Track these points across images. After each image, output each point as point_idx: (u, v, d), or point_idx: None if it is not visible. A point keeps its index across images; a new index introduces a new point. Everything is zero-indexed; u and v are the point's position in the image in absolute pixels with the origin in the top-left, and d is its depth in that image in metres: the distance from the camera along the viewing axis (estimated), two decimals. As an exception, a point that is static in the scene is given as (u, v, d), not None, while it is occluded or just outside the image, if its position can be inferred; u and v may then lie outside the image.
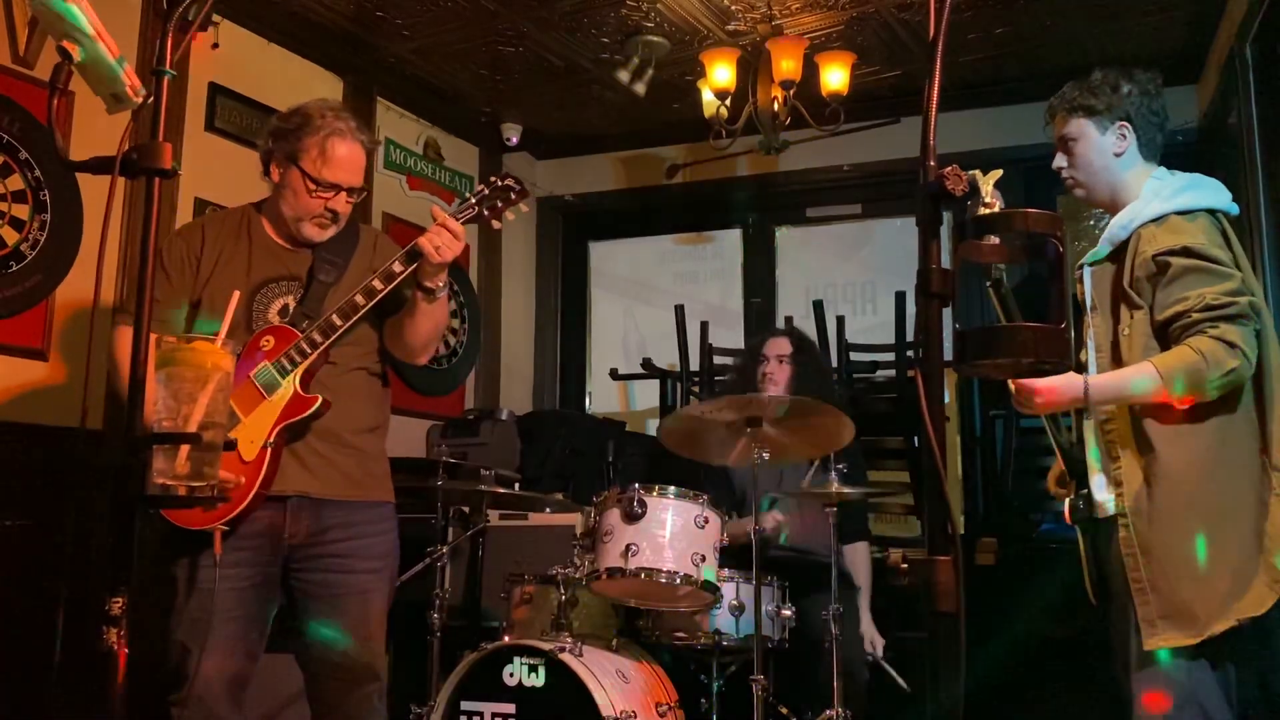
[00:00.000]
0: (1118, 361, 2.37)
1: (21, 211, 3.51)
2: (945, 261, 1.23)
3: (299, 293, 2.56)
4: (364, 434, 2.61)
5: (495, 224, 2.63)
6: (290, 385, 2.45)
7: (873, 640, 3.66)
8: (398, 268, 2.50)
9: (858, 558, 3.77)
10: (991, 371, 1.23)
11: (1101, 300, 2.45)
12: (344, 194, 2.56)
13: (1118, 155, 2.46)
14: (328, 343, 2.47)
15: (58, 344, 3.58)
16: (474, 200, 2.59)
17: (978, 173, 1.36)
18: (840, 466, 3.28)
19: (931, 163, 1.24)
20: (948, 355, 1.26)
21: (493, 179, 2.63)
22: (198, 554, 2.38)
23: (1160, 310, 2.31)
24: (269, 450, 2.40)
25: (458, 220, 2.52)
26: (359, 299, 2.47)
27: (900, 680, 3.55)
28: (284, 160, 2.54)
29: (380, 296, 2.49)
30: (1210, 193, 2.41)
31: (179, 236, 2.61)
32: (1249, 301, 2.26)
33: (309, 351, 2.46)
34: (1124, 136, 2.45)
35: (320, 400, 2.46)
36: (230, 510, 2.34)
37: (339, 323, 2.47)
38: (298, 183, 2.52)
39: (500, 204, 2.59)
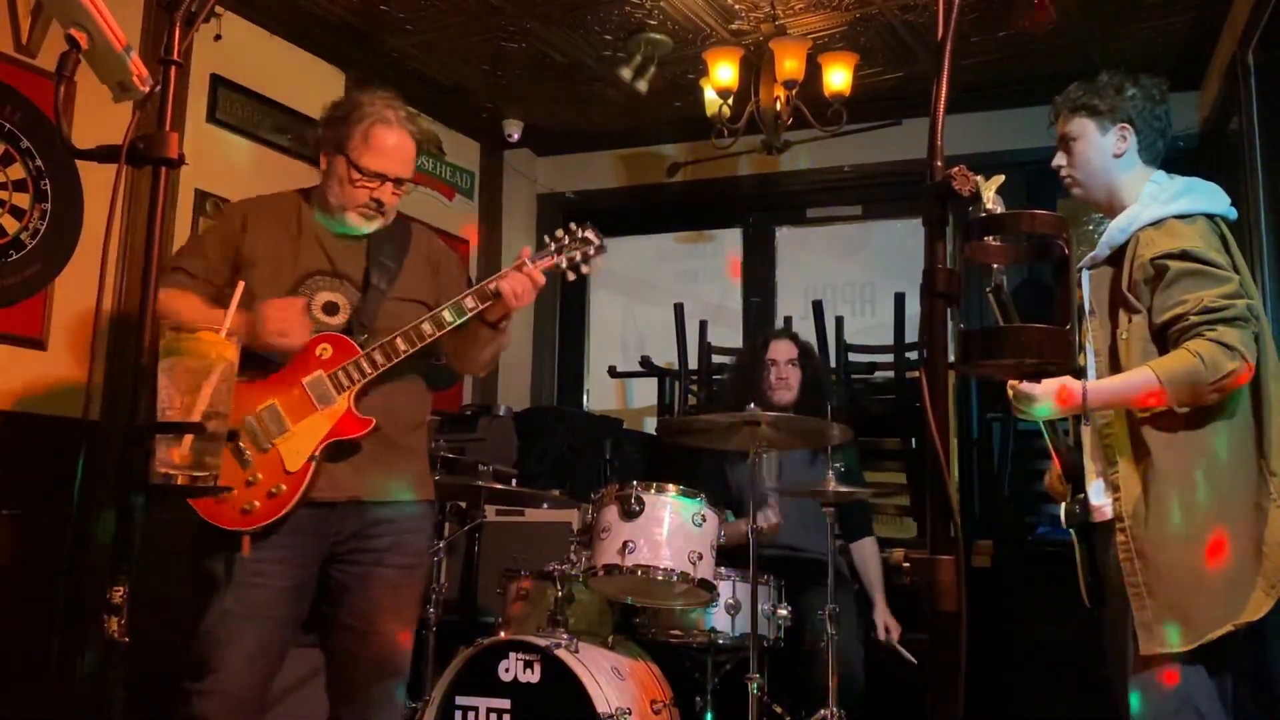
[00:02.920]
0: (1116, 365, 2.37)
1: (22, 200, 3.51)
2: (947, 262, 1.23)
3: (347, 290, 2.54)
4: (412, 433, 2.62)
5: (571, 276, 2.65)
6: (345, 402, 2.43)
7: (887, 625, 3.68)
8: (470, 303, 2.50)
9: (866, 554, 3.78)
10: (995, 372, 1.23)
11: (1100, 304, 2.45)
12: (390, 184, 2.52)
13: (1117, 156, 2.47)
14: (388, 366, 2.45)
15: (57, 333, 3.57)
16: (554, 249, 2.61)
17: (980, 178, 1.37)
18: (838, 465, 3.29)
19: (939, 163, 1.24)
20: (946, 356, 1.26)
21: (573, 226, 2.65)
22: (230, 549, 2.36)
23: (1158, 314, 2.31)
24: (313, 464, 2.39)
25: (537, 268, 2.54)
26: (426, 328, 2.46)
27: (911, 658, 3.55)
28: (331, 148, 2.52)
29: (450, 329, 2.49)
30: (1208, 197, 2.41)
31: (221, 217, 2.60)
32: (1247, 304, 2.27)
33: (369, 371, 2.44)
34: (1124, 138, 2.46)
35: (373, 424, 2.44)
36: (266, 517, 2.35)
37: (403, 348, 2.45)
38: (343, 171, 2.50)
39: (579, 255, 2.62)
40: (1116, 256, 2.43)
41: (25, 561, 3.40)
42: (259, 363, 2.42)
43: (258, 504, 2.35)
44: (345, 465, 2.46)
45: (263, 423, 2.40)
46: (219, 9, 4.13)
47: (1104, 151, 2.47)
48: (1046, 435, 2.53)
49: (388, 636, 2.53)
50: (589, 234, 2.64)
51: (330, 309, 2.50)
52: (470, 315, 2.49)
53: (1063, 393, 2.33)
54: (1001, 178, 1.41)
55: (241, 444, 2.36)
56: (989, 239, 1.27)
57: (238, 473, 2.35)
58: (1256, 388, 2.31)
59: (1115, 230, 2.43)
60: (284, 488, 2.37)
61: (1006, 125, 4.77)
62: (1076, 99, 2.50)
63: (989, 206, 1.36)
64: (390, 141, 2.52)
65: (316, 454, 2.40)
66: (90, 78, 1.49)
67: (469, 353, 2.65)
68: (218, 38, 4.13)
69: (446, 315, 2.48)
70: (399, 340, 2.45)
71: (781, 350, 3.86)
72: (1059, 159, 2.54)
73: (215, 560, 2.37)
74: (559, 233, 2.64)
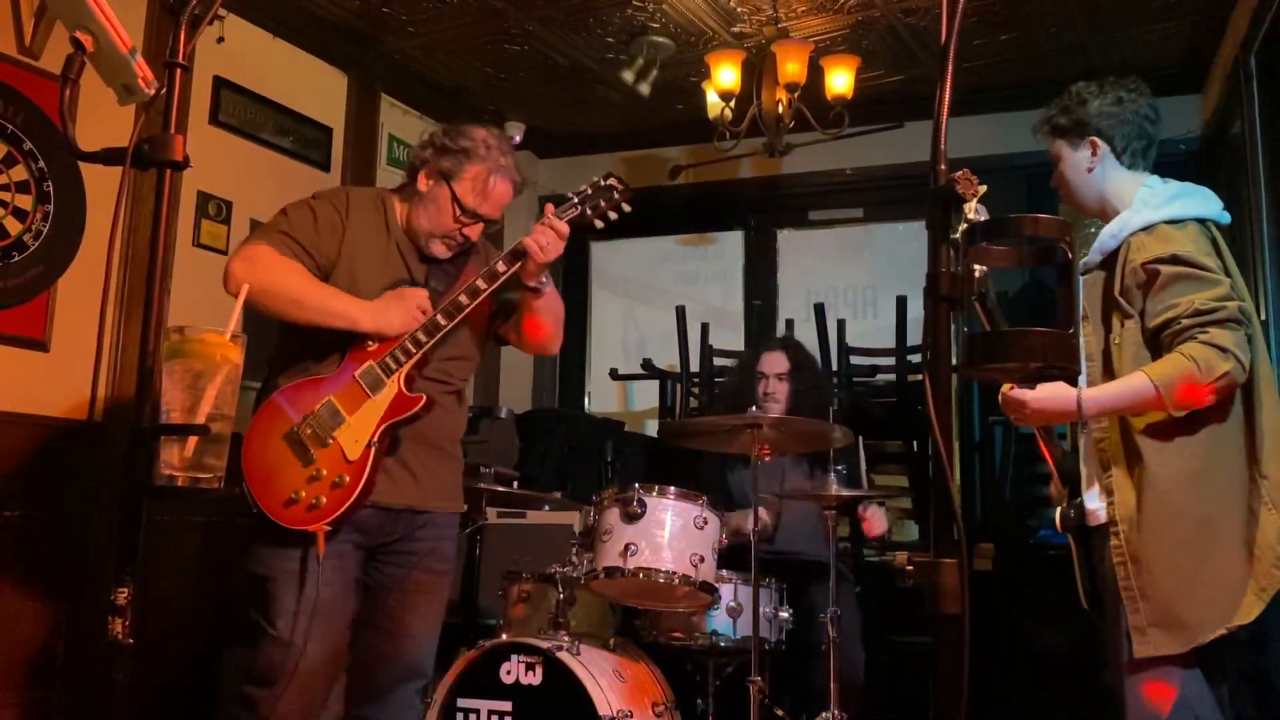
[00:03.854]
0: (1109, 370, 2.37)
1: (25, 202, 3.51)
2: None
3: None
4: (458, 444, 2.70)
5: (598, 223, 2.64)
6: (395, 385, 2.47)
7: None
8: (501, 267, 2.52)
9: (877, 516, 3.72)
10: (999, 376, 1.23)
11: (1093, 309, 2.46)
12: (481, 224, 2.59)
13: (1090, 170, 2.47)
14: (432, 341, 2.49)
15: (59, 335, 3.57)
16: (576, 200, 2.61)
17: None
18: (840, 468, 3.29)
19: (943, 166, 1.24)
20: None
21: (595, 179, 2.65)
22: (301, 550, 2.40)
23: (1151, 318, 2.32)
24: (372, 449, 2.42)
25: (561, 220, 2.55)
26: (463, 299, 2.49)
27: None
28: (437, 175, 2.55)
29: (485, 295, 2.52)
30: (1199, 201, 2.41)
31: (326, 201, 2.57)
32: (1239, 306, 2.27)
33: (414, 351, 2.47)
34: (1094, 151, 2.46)
35: (425, 399, 2.48)
36: (335, 509, 2.38)
37: (443, 322, 2.49)
38: (446, 202, 2.54)
39: (604, 203, 2.61)
40: (1109, 262, 2.44)
41: (28, 563, 3.40)
42: (315, 360, 2.48)
43: (324, 499, 2.38)
44: (405, 474, 2.53)
45: (321, 419, 2.43)
46: (222, 11, 4.13)
47: (1078, 168, 2.49)
48: (1042, 442, 2.53)
49: (418, 639, 2.60)
50: (613, 181, 2.63)
51: None
52: (503, 279, 2.52)
53: (1056, 400, 2.33)
54: (983, 188, 1.41)
55: (305, 442, 2.40)
56: (991, 244, 1.27)
57: (300, 470, 2.39)
58: (1248, 392, 2.31)
59: (1107, 236, 2.44)
60: (347, 478, 2.39)
61: (1008, 128, 4.76)
62: (1048, 119, 2.53)
63: (971, 216, 1.36)
64: (500, 190, 2.58)
65: (374, 439, 2.43)
66: (91, 80, 1.49)
67: (527, 327, 2.67)
68: (220, 40, 4.14)
69: (480, 283, 2.51)
70: (439, 316, 2.49)
71: (771, 363, 3.85)
72: (1054, 179, 2.57)
73: (279, 561, 2.40)
74: (582, 185, 2.65)
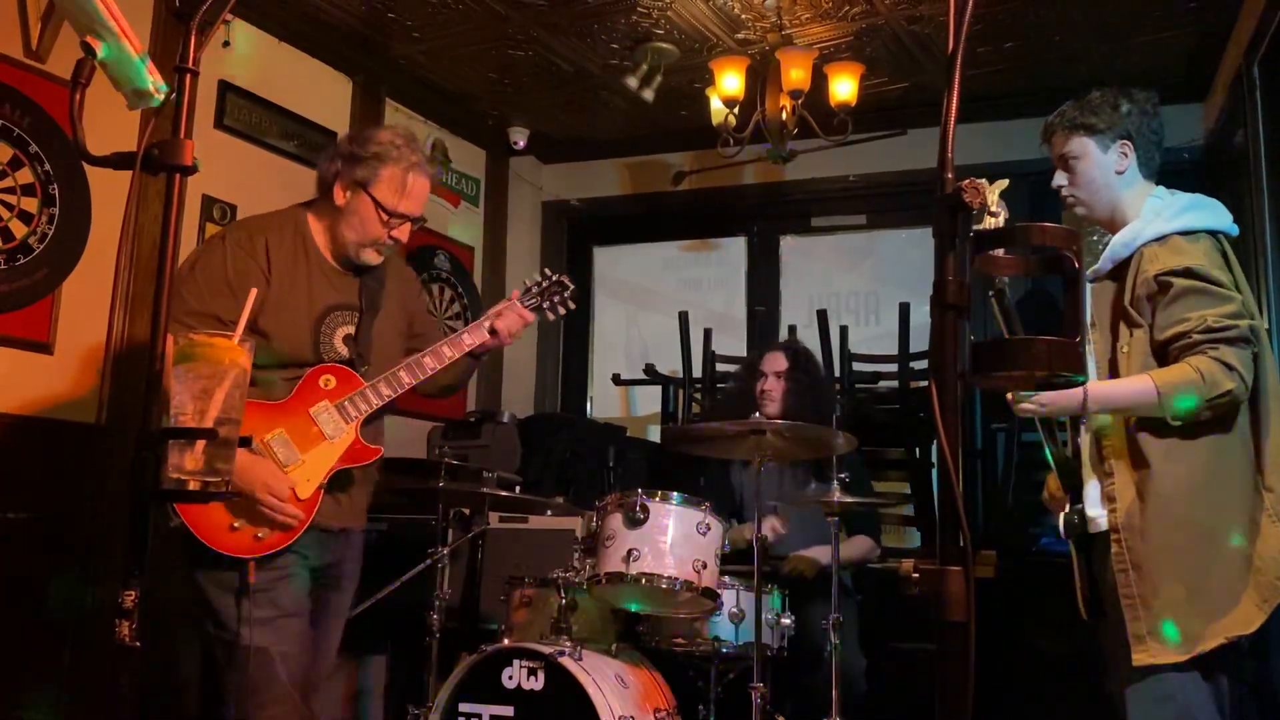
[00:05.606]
0: (1115, 378, 2.38)
1: (30, 205, 3.52)
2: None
3: (354, 320, 2.61)
4: (376, 464, 2.71)
5: (550, 317, 2.87)
6: (353, 432, 2.52)
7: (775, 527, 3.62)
8: (468, 340, 2.66)
9: (851, 547, 3.75)
10: (1005, 384, 1.23)
11: (1101, 317, 2.46)
12: (409, 224, 2.61)
13: (1119, 173, 2.48)
14: (394, 398, 2.56)
15: (63, 338, 3.58)
16: (536, 292, 2.83)
17: (984, 182, 1.37)
18: (842, 476, 3.29)
19: (949, 174, 1.24)
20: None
21: (547, 273, 2.85)
22: (242, 576, 2.41)
23: (1160, 330, 2.32)
24: (321, 491, 2.48)
25: (526, 309, 2.78)
26: (428, 362, 2.60)
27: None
28: (355, 186, 2.55)
29: (448, 363, 2.64)
30: (1212, 214, 2.42)
31: (239, 248, 2.52)
32: (1249, 325, 2.28)
33: (375, 403, 2.53)
34: (1125, 155, 2.47)
35: (381, 452, 2.58)
36: (279, 544, 2.42)
37: (407, 380, 2.57)
38: (368, 211, 2.54)
39: (556, 299, 2.84)
40: (1119, 270, 2.44)
41: (34, 566, 3.40)
42: (261, 388, 2.45)
43: (269, 534, 2.41)
44: (344, 494, 2.57)
45: (272, 451, 2.43)
46: (227, 15, 4.14)
47: (1107, 169, 2.49)
48: (1046, 445, 2.53)
49: (331, 655, 2.66)
50: (564, 279, 2.85)
51: (348, 341, 2.58)
52: (467, 350, 2.66)
53: (1063, 394, 2.33)
54: (1005, 182, 1.41)
55: None
56: (999, 251, 1.27)
57: (246, 500, 2.37)
58: (1255, 405, 2.32)
59: (1119, 245, 2.44)
60: (301, 514, 2.44)
61: (1011, 136, 4.77)
62: (1074, 118, 2.51)
63: (993, 210, 1.36)
64: (419, 187, 2.59)
65: (324, 482, 2.48)
66: (96, 84, 1.49)
67: (442, 380, 2.78)
68: (226, 44, 4.16)
69: (446, 350, 2.62)
70: (403, 373, 2.56)
71: (770, 363, 3.87)
72: (1059, 179, 2.55)
73: (226, 591, 2.39)
74: (536, 276, 2.84)
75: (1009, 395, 2.41)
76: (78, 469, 3.53)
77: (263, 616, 2.38)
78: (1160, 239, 2.38)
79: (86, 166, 3.52)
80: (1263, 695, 3.06)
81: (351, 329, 2.59)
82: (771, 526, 3.55)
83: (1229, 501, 2.29)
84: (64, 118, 3.55)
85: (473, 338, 2.65)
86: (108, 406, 3.64)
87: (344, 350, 2.56)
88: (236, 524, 2.38)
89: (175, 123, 1.41)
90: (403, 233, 2.59)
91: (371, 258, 2.60)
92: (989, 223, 1.35)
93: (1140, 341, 2.36)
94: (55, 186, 3.58)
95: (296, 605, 2.46)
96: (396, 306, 2.73)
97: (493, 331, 2.66)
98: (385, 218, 2.54)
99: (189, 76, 1.41)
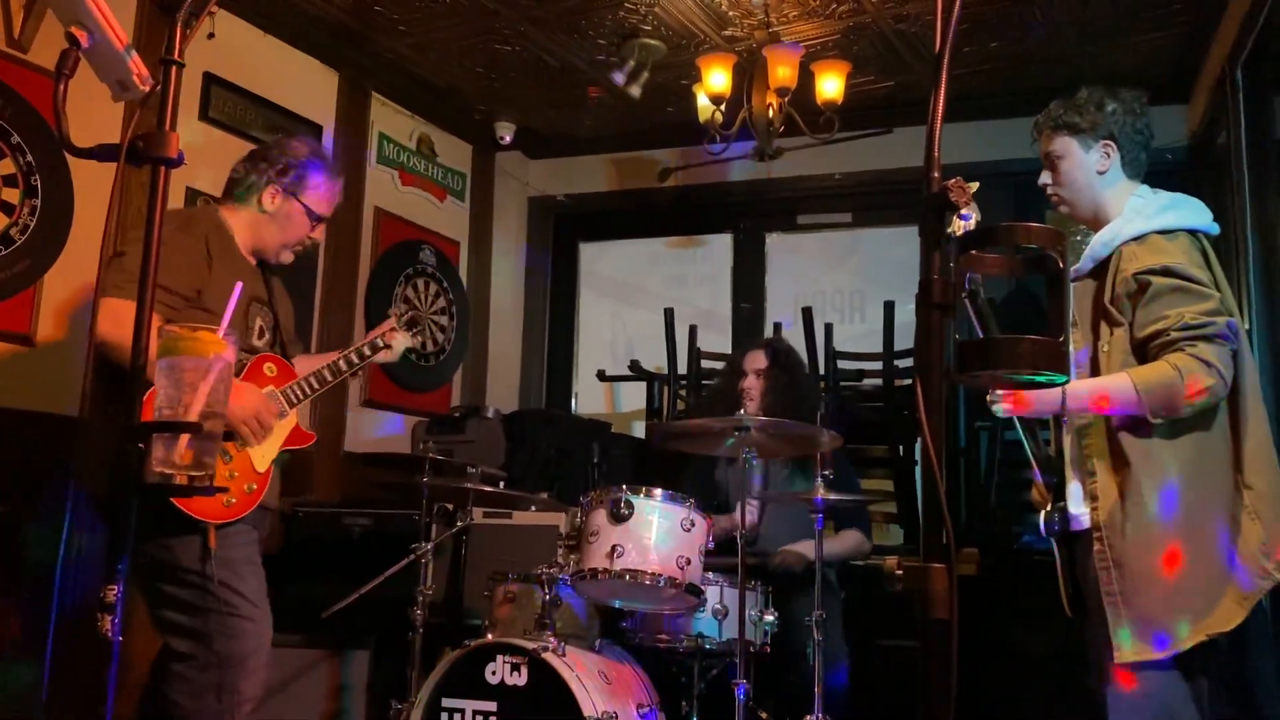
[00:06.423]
0: (1096, 376, 2.40)
1: (12, 196, 3.49)
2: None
3: (266, 314, 2.85)
4: None
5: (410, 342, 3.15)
6: (294, 417, 2.79)
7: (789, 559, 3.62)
8: (367, 351, 2.96)
9: (841, 541, 3.75)
10: (989, 383, 1.24)
11: (1082, 316, 2.48)
12: (323, 226, 2.90)
13: (1101, 173, 2.49)
14: (324, 389, 2.84)
15: (45, 330, 3.56)
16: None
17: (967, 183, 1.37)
18: (826, 473, 3.30)
19: (936, 174, 1.25)
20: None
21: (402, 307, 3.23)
22: (235, 538, 2.62)
23: (1140, 328, 2.34)
24: (273, 467, 2.73)
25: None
26: (347, 362, 2.90)
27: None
28: (285, 193, 2.79)
29: (356, 369, 2.94)
30: (1191, 212, 2.44)
31: (190, 233, 2.71)
32: (1227, 322, 2.29)
33: (309, 393, 2.80)
34: (1108, 155, 2.48)
35: (315, 439, 2.86)
36: (243, 510, 2.63)
37: (330, 378, 2.86)
38: (299, 215, 2.82)
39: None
40: (1100, 270, 2.46)
41: (14, 558, 3.38)
42: None
43: (235, 500, 2.63)
44: (277, 475, 2.78)
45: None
46: (213, 6, 4.10)
47: (1088, 169, 2.50)
48: (1026, 444, 2.55)
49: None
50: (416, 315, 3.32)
51: (261, 333, 2.82)
52: (370, 359, 2.96)
53: (1042, 392, 2.35)
54: (975, 185, 1.41)
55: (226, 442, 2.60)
56: (983, 251, 1.28)
57: (221, 467, 2.59)
58: (1234, 402, 2.34)
59: (1099, 244, 2.45)
60: (255, 486, 2.67)
61: (996, 136, 4.79)
62: (1058, 117, 2.52)
63: (964, 211, 1.36)
64: (339, 193, 2.92)
65: (276, 458, 2.74)
66: (79, 75, 1.48)
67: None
68: (211, 36, 4.12)
69: (366, 350, 2.94)
70: (326, 371, 2.85)
71: (751, 361, 3.88)
72: (1045, 177, 2.57)
73: (195, 555, 2.55)
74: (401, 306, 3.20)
75: (988, 396, 2.42)
76: (62, 461, 3.51)
77: (234, 582, 2.56)
78: (1139, 238, 2.39)
79: (70, 158, 3.50)
80: (1241, 692, 3.09)
81: (263, 321, 2.83)
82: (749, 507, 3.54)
83: (1209, 499, 2.30)
84: (47, 108, 3.53)
85: (370, 349, 2.95)
86: (92, 398, 3.61)
87: (257, 340, 2.80)
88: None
89: (160, 115, 1.40)
90: (319, 233, 2.89)
91: (288, 258, 2.87)
92: (958, 225, 1.35)
93: (1120, 340, 2.37)
94: (38, 178, 3.56)
95: (255, 575, 2.66)
96: (284, 309, 2.97)
97: (387, 345, 2.97)
98: (313, 223, 2.83)
99: (174, 68, 1.40)
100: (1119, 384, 2.30)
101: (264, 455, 2.70)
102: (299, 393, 2.78)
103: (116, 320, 2.45)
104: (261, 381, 2.72)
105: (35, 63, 3.55)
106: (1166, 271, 2.32)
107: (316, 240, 2.91)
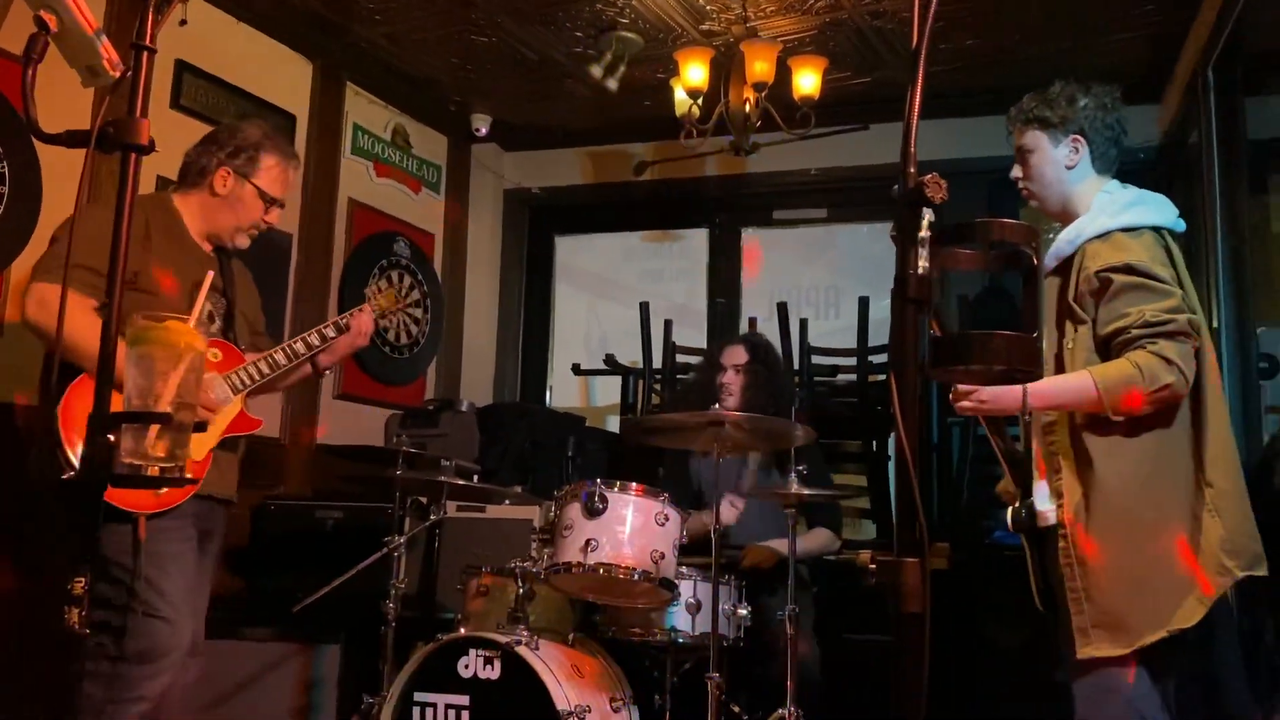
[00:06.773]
0: (1061, 374, 2.42)
1: (-21, 183, 3.44)
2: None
3: (216, 300, 2.82)
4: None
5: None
6: (239, 403, 2.75)
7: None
8: (330, 332, 2.91)
9: (811, 539, 3.75)
10: (963, 378, 1.24)
11: (1047, 313, 2.49)
12: (276, 208, 2.86)
13: (1070, 168, 2.51)
14: (279, 373, 2.81)
15: (13, 319, 3.50)
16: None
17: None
18: (800, 468, 3.30)
19: (912, 170, 1.25)
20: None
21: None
22: (134, 534, 2.52)
23: (1102, 326, 2.36)
24: (212, 454, 2.68)
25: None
26: (299, 347, 2.85)
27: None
28: (237, 176, 2.77)
29: (315, 352, 2.90)
30: (1155, 210, 2.45)
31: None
32: (1188, 319, 2.31)
33: (257, 378, 2.75)
34: (1077, 150, 2.50)
35: (261, 424, 2.82)
36: (174, 501, 2.56)
37: (282, 362, 2.81)
38: (252, 198, 2.80)
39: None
40: (1064, 267, 2.47)
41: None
42: None
43: (166, 489, 2.53)
44: (223, 464, 2.75)
45: None
46: (186, -7, 4.07)
47: (1057, 163, 2.51)
48: (993, 440, 2.56)
49: (201, 617, 2.75)
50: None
51: (212, 318, 2.79)
52: (329, 342, 2.91)
53: (1003, 392, 2.36)
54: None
55: None
56: (960, 247, 1.28)
57: None
58: (1196, 400, 2.36)
59: (1063, 241, 2.47)
60: (189, 475, 2.58)
61: (969, 133, 4.81)
62: (1029, 111, 2.54)
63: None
64: (292, 175, 2.90)
65: (214, 445, 2.68)
66: (48, 60, 1.46)
67: (282, 380, 2.97)
68: (183, 22, 4.07)
69: (314, 339, 2.88)
70: (278, 354, 2.80)
71: (730, 356, 3.88)
72: (1016, 171, 2.58)
73: (124, 547, 2.50)
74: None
75: (951, 389, 2.43)
76: (26, 452, 3.46)
77: (157, 579, 2.50)
78: (1103, 235, 2.41)
79: (38, 144, 3.44)
80: (1208, 687, 3.12)
81: (217, 306, 2.80)
82: (730, 502, 3.55)
83: (1170, 497, 2.33)
84: (15, 94, 3.47)
85: (334, 330, 2.90)
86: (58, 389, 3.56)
87: (216, 327, 2.78)
88: None
89: (130, 101, 1.38)
90: (274, 217, 2.85)
91: (244, 242, 2.84)
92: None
93: (1084, 338, 2.39)
94: (5, 164, 3.50)
95: (183, 575, 2.59)
96: (245, 296, 2.95)
97: (347, 327, 2.91)
98: (266, 205, 2.81)
99: (145, 54, 1.38)
100: (1079, 382, 2.31)
101: (201, 443, 2.63)
102: (245, 378, 2.73)
103: (42, 304, 2.42)
104: (205, 366, 2.69)
105: (3, 47, 3.50)
106: (1128, 269, 2.33)
107: (271, 223, 2.87)
